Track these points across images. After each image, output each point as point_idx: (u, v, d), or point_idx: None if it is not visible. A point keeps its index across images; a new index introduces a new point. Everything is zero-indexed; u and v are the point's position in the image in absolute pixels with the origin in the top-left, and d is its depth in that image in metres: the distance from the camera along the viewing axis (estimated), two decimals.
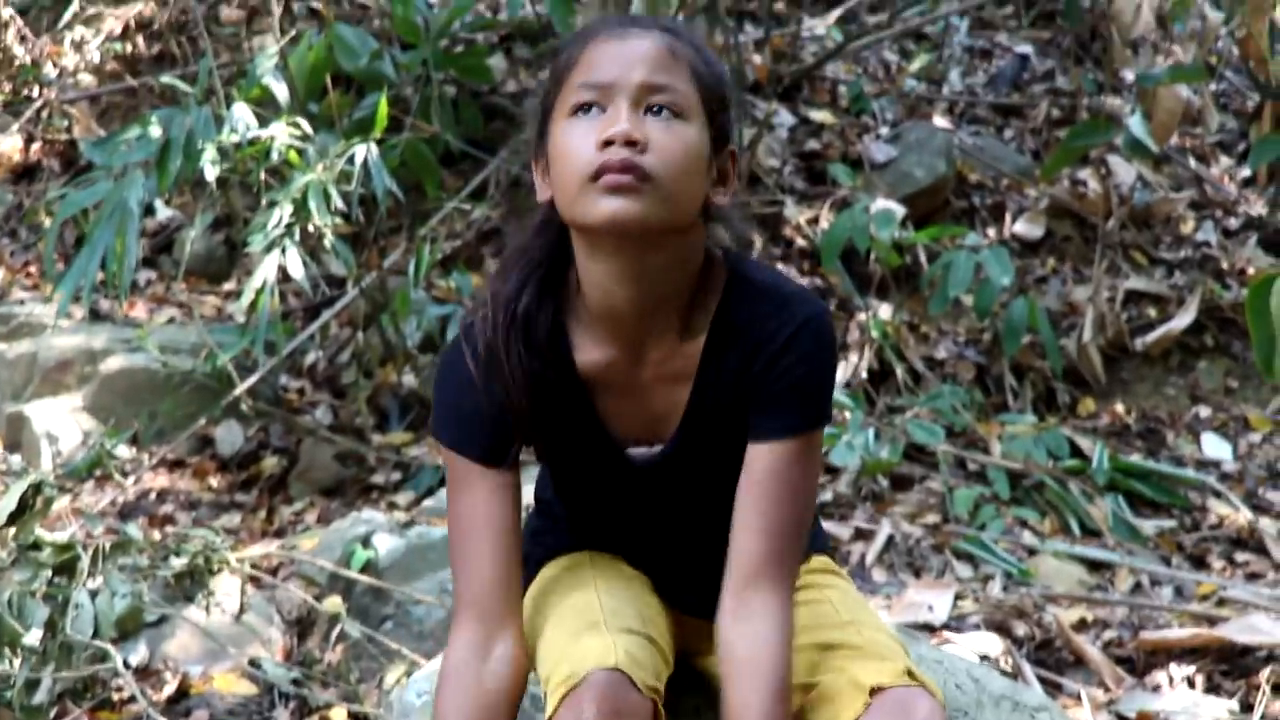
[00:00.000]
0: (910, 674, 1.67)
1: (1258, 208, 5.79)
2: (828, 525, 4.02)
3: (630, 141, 1.56)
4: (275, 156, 3.85)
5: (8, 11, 5.56)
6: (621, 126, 1.56)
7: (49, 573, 3.14)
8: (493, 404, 1.68)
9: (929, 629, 3.43)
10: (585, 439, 1.73)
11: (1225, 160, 6.16)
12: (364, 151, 3.80)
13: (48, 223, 4.70)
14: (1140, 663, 3.41)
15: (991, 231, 5.48)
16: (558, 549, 1.88)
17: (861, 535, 4.05)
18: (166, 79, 4.35)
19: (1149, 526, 4.24)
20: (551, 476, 1.87)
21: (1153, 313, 5.25)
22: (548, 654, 1.69)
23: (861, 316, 4.93)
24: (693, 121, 1.60)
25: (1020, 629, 3.53)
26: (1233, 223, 5.77)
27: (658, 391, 1.71)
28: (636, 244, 1.60)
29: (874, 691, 1.64)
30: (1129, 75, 5.84)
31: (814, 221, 5.32)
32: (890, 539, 4.03)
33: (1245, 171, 5.98)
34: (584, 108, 1.60)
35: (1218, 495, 4.41)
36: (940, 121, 5.91)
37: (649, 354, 1.69)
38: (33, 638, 2.97)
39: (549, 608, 1.76)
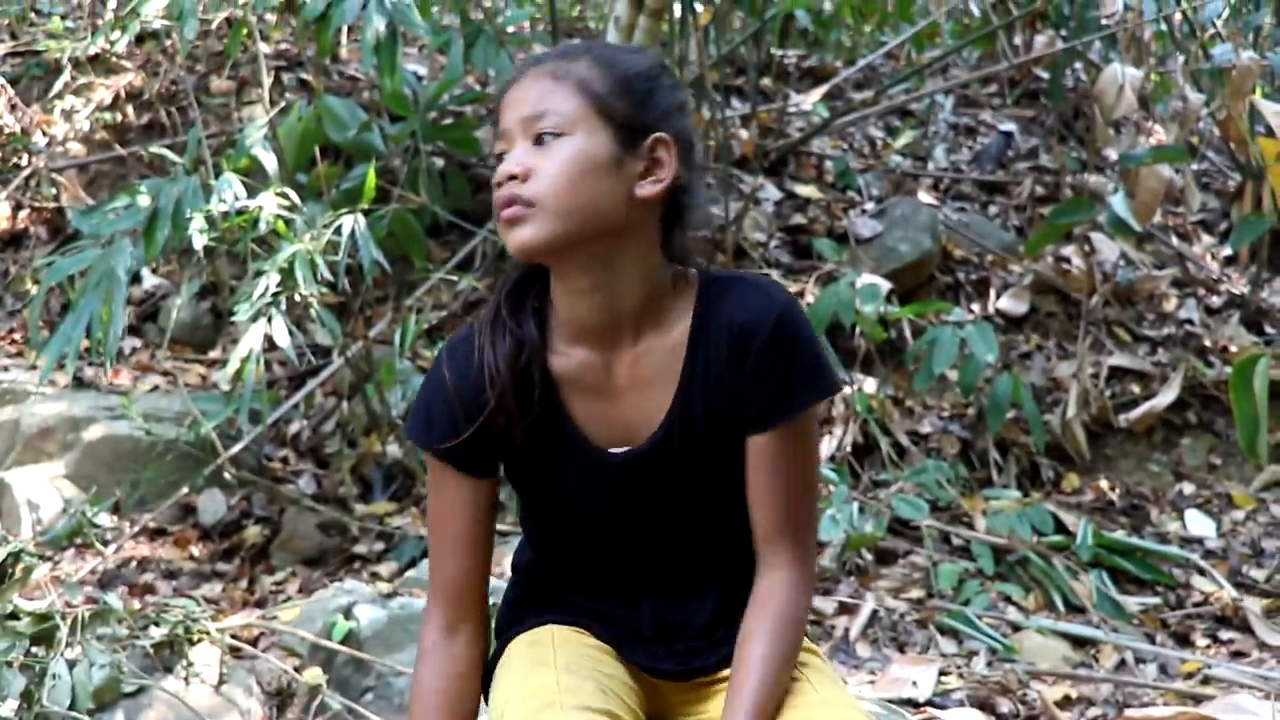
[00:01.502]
0: None
1: (1240, 286, 5.83)
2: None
3: (511, 176, 1.68)
4: (263, 226, 3.86)
5: None
6: (505, 168, 1.69)
7: (26, 642, 3.11)
8: (470, 416, 1.75)
9: (913, 704, 3.41)
10: (561, 444, 1.78)
11: (1207, 239, 6.22)
12: (351, 222, 3.82)
13: (34, 290, 4.71)
14: None
15: (976, 307, 5.50)
16: (526, 622, 1.88)
17: (845, 609, 4.03)
18: (155, 148, 4.37)
19: (1133, 603, 4.23)
20: (528, 503, 1.88)
21: (1136, 389, 5.27)
22: None
23: (846, 391, 4.94)
24: (578, 133, 1.68)
25: (1004, 705, 3.51)
26: (1215, 301, 5.81)
27: (634, 396, 1.77)
28: (563, 261, 1.71)
29: None
30: (1112, 154, 5.90)
31: (800, 295, 5.34)
32: (874, 613, 4.01)
33: (1227, 250, 6.03)
34: (500, 150, 1.73)
35: (1201, 572, 4.41)
36: (925, 197, 5.96)
37: (623, 359, 1.76)
38: (8, 708, 2.94)
39: (510, 688, 1.77)
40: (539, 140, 1.68)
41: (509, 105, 1.72)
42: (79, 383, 4.79)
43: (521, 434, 1.76)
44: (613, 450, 1.78)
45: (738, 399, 1.74)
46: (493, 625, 1.94)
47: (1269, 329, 5.66)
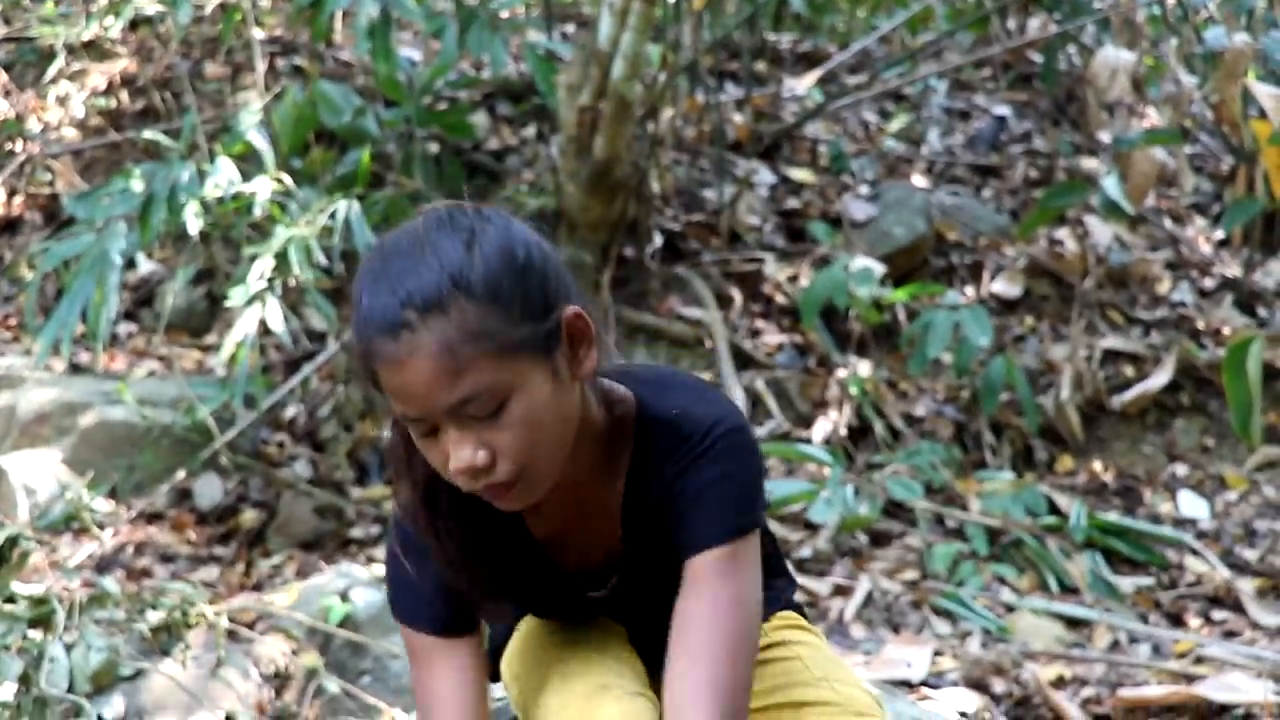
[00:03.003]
0: None
1: (1233, 269, 5.84)
2: (806, 581, 4.02)
3: (477, 470, 1.49)
4: (258, 211, 3.87)
5: None
6: (462, 462, 1.48)
7: (24, 626, 3.12)
8: (441, 577, 1.64)
9: (907, 685, 3.43)
10: (538, 580, 1.71)
11: (1200, 221, 6.22)
12: (346, 207, 3.83)
13: (29, 276, 4.71)
14: None
15: (970, 290, 5.51)
16: None
17: (840, 591, 4.05)
18: (150, 134, 4.38)
19: (1126, 584, 4.25)
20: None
21: (1130, 372, 5.29)
22: (559, 713, 1.66)
23: (841, 373, 4.96)
24: (517, 390, 1.48)
25: (998, 686, 3.52)
26: (1208, 283, 5.82)
27: (600, 525, 1.67)
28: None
29: None
30: (1105, 137, 5.91)
31: (794, 279, 5.35)
32: (869, 595, 4.03)
33: (1220, 233, 6.04)
34: (422, 432, 1.52)
35: (1194, 553, 4.43)
36: (919, 181, 5.96)
37: (584, 500, 1.65)
38: (6, 692, 2.95)
39: (544, 663, 1.73)
40: (476, 418, 1.48)
41: (410, 396, 1.47)
42: (75, 368, 4.79)
43: (504, 586, 1.67)
44: (583, 574, 1.71)
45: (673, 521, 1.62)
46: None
47: (1262, 311, 5.67)
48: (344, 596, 3.49)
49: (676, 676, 1.55)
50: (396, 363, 1.46)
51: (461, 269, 1.46)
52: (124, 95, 5.73)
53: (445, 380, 1.45)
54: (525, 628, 1.83)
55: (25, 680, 2.98)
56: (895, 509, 4.46)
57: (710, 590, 1.56)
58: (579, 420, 1.56)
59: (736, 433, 1.59)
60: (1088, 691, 3.56)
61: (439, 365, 1.45)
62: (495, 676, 1.86)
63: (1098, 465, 4.95)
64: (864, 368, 5.01)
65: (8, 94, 5.63)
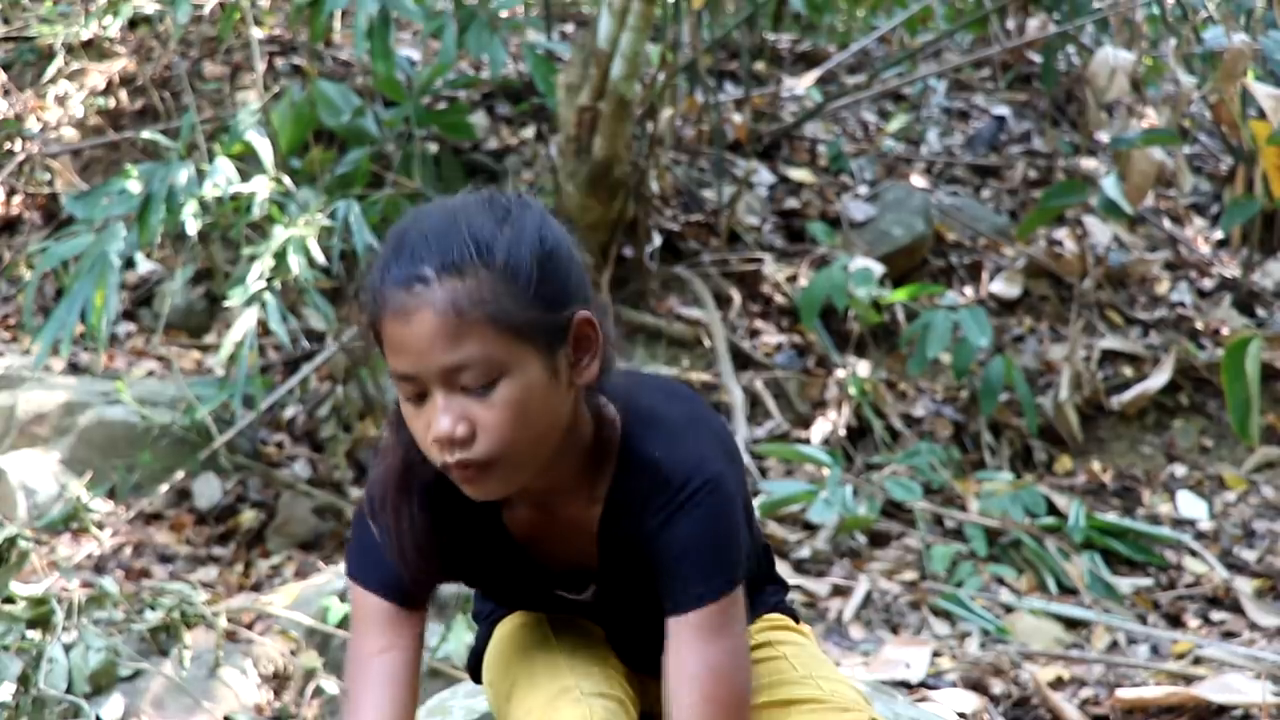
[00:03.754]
0: None
1: (1231, 269, 5.85)
2: (805, 581, 4.02)
3: (454, 441, 1.49)
4: (257, 211, 3.87)
5: None
6: (441, 429, 1.49)
7: (23, 626, 3.12)
8: (409, 549, 1.63)
9: (906, 686, 3.43)
10: (514, 575, 1.71)
11: (1199, 222, 6.23)
12: (345, 207, 3.83)
13: (28, 275, 4.71)
14: None
15: (969, 290, 5.52)
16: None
17: (839, 592, 4.05)
18: (149, 134, 4.37)
19: (1125, 584, 4.25)
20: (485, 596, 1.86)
21: (1129, 372, 5.29)
22: (523, 718, 1.68)
23: (840, 374, 4.96)
24: (512, 370, 1.48)
25: (997, 686, 3.52)
26: (1207, 284, 5.83)
27: (576, 539, 1.67)
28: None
29: None
30: (1104, 138, 5.91)
31: (793, 279, 5.35)
32: (868, 595, 4.03)
33: (1219, 233, 6.04)
34: (410, 395, 1.52)
35: (1193, 554, 4.43)
36: (918, 181, 5.97)
37: (561, 512, 1.65)
38: (5, 692, 2.95)
39: (514, 668, 1.75)
40: (466, 389, 1.48)
41: (408, 350, 1.48)
42: (74, 368, 4.79)
43: (476, 571, 1.68)
44: (561, 575, 1.72)
45: (653, 568, 1.62)
46: (469, 613, 1.92)
47: (1260, 311, 5.67)
48: (343, 597, 3.49)
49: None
50: (404, 314, 1.47)
51: (488, 241, 1.49)
52: (123, 95, 5.73)
53: (446, 340, 1.46)
54: (501, 632, 1.84)
55: (24, 680, 2.98)
56: (894, 509, 4.46)
57: (700, 652, 1.57)
58: (565, 431, 1.56)
59: (715, 485, 1.57)
60: (1086, 692, 3.56)
61: (443, 323, 1.46)
62: (478, 679, 1.88)
63: (1096, 466, 4.95)
64: (863, 368, 5.01)
65: (7, 93, 5.63)
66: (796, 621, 1.92)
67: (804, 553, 4.22)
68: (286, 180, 3.97)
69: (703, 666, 1.57)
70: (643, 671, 1.83)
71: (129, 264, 4.79)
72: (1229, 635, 3.99)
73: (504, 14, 5.02)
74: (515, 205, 1.54)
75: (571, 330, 1.52)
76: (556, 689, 1.67)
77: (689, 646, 1.57)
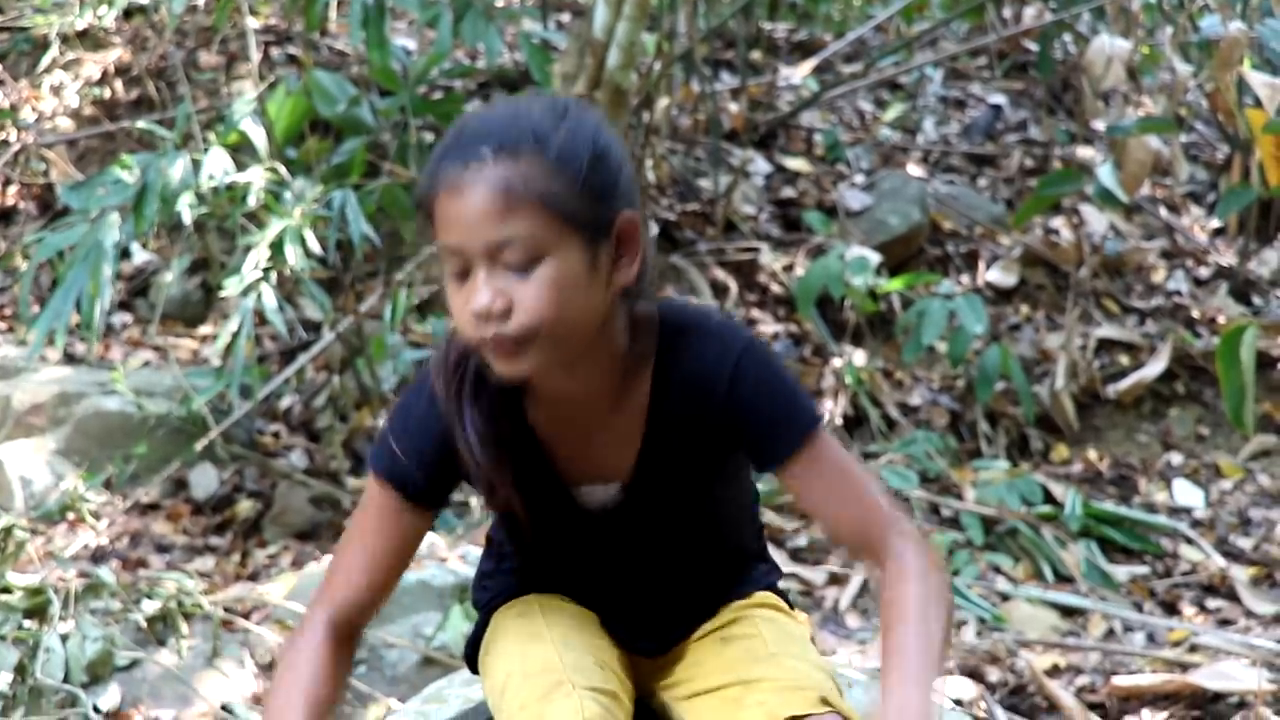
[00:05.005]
0: (825, 701, 1.68)
1: (1227, 257, 5.85)
2: (802, 570, 4.03)
3: (491, 315, 1.55)
4: (252, 201, 3.86)
5: None
6: (481, 303, 1.55)
7: (19, 616, 3.13)
8: (438, 451, 1.69)
9: None
10: (537, 486, 1.74)
11: (1195, 210, 6.23)
12: (341, 196, 3.82)
13: (23, 266, 4.70)
14: (1113, 709, 3.41)
15: (965, 279, 5.52)
16: (504, 593, 1.88)
17: (836, 580, 4.05)
18: (144, 123, 4.36)
19: (1121, 572, 4.26)
20: (504, 525, 1.87)
21: (1125, 360, 5.29)
22: (515, 714, 1.69)
23: (836, 363, 4.96)
24: (552, 254, 1.55)
25: (993, 674, 3.53)
26: (1203, 272, 5.83)
27: (606, 443, 1.72)
28: (549, 373, 1.63)
29: None
30: (1100, 126, 5.91)
31: (789, 268, 5.35)
32: (864, 584, 4.03)
33: (1215, 222, 6.04)
34: (455, 271, 1.58)
35: (1189, 542, 4.44)
36: (915, 170, 5.96)
37: (594, 413, 1.71)
38: (2, 681, 2.95)
39: (509, 664, 1.76)
40: (508, 265, 1.55)
41: (457, 224, 1.55)
42: (70, 358, 4.79)
43: (500, 478, 1.71)
44: (586, 490, 1.75)
45: (710, 445, 1.71)
46: (468, 602, 1.94)
47: (1256, 300, 5.67)
48: None
49: (845, 522, 1.70)
50: (458, 187, 1.54)
51: (545, 132, 1.56)
52: (118, 85, 5.72)
53: (494, 215, 1.53)
54: (496, 622, 1.85)
55: (21, 670, 2.99)
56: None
57: (825, 464, 1.69)
58: (599, 329, 1.62)
59: (751, 344, 1.69)
60: (1082, 680, 3.56)
61: (494, 197, 1.53)
62: (475, 669, 1.89)
63: (1093, 454, 4.96)
64: (859, 357, 5.01)
65: (1, 83, 5.62)
66: (790, 606, 1.93)
67: (800, 541, 4.22)
68: (282, 170, 3.96)
69: (823, 474, 1.69)
70: (637, 650, 1.86)
71: (125, 254, 4.80)
72: (1225, 623, 4.00)
73: (500, 3, 5.02)
74: (574, 106, 1.62)
75: (615, 229, 1.59)
76: (550, 682, 1.68)
77: (806, 469, 1.68)
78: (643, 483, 1.74)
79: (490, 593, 1.90)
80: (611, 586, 1.85)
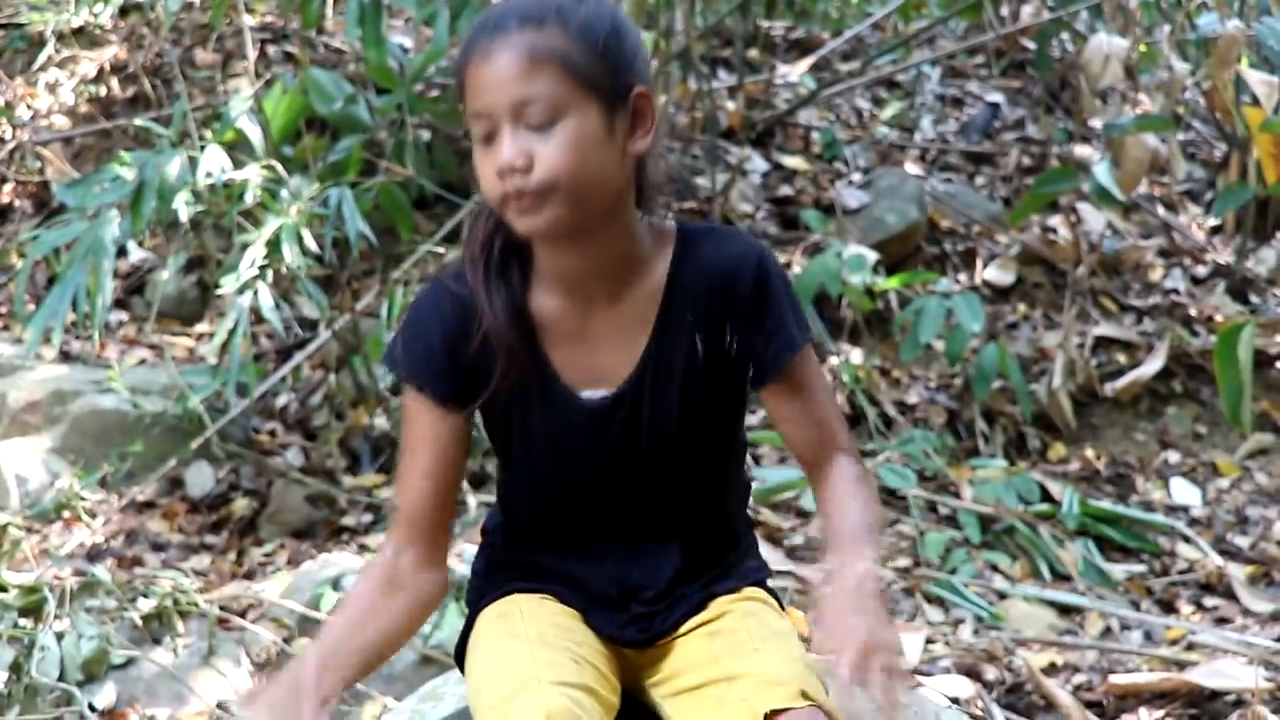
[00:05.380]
0: (806, 695, 1.68)
1: (1225, 256, 5.85)
2: (799, 568, 4.02)
3: (514, 169, 1.67)
4: (249, 199, 3.86)
5: None
6: (505, 158, 1.67)
7: (15, 614, 3.12)
8: (450, 352, 1.78)
9: None
10: (537, 385, 1.80)
11: (1193, 209, 6.23)
12: (337, 194, 3.82)
13: (19, 264, 4.70)
14: (1110, 707, 3.41)
15: (963, 277, 5.51)
16: (493, 593, 1.89)
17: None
18: (141, 121, 4.36)
19: (1119, 571, 4.25)
20: (499, 445, 1.89)
21: (1122, 359, 5.29)
22: (486, 714, 1.70)
23: (833, 361, 4.95)
24: (571, 113, 1.67)
25: (990, 672, 3.53)
26: (1201, 270, 5.83)
27: (610, 341, 1.80)
28: (567, 238, 1.73)
29: (770, 716, 1.67)
30: (1098, 124, 5.90)
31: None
32: None
33: (1213, 220, 6.04)
34: (482, 136, 1.71)
35: (1187, 540, 4.44)
36: (912, 168, 5.96)
37: (601, 307, 1.79)
38: None
39: (484, 664, 1.78)
40: (532, 125, 1.67)
41: (485, 86, 1.69)
42: (66, 356, 4.78)
43: (501, 373, 1.78)
44: (585, 394, 1.81)
45: (723, 344, 1.80)
46: (463, 600, 1.95)
47: (1254, 298, 5.67)
48: (336, 585, 3.49)
49: (809, 439, 1.86)
50: (486, 54, 1.69)
51: (568, 7, 1.70)
52: (114, 82, 5.71)
53: (518, 75, 1.67)
54: (479, 625, 1.87)
55: (16, 669, 2.98)
56: (888, 496, 4.46)
57: (810, 378, 1.84)
58: (613, 198, 1.74)
59: (765, 255, 1.82)
60: (1079, 678, 3.56)
61: (519, 61, 1.67)
62: (464, 669, 1.89)
63: (1090, 452, 4.96)
64: (856, 355, 5.01)
65: None
66: (782, 606, 1.94)
67: (798, 539, 4.22)
68: (279, 168, 3.96)
69: (805, 390, 1.84)
70: (629, 644, 1.86)
71: (121, 252, 4.79)
72: (1222, 621, 3.99)
73: (495, 0, 5.01)
74: None
75: (631, 99, 1.72)
76: (518, 681, 1.69)
77: (793, 381, 1.82)
78: (643, 377, 1.80)
79: (480, 593, 1.91)
80: (599, 525, 1.86)
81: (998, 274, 5.55)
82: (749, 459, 4.50)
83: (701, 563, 1.88)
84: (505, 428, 1.85)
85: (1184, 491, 4.77)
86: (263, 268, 3.73)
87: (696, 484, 1.86)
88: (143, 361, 4.86)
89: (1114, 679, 3.48)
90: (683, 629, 1.86)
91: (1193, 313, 5.53)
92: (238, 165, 3.90)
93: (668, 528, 1.87)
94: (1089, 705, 3.41)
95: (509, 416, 1.83)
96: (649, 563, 1.87)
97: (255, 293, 3.73)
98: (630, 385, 1.80)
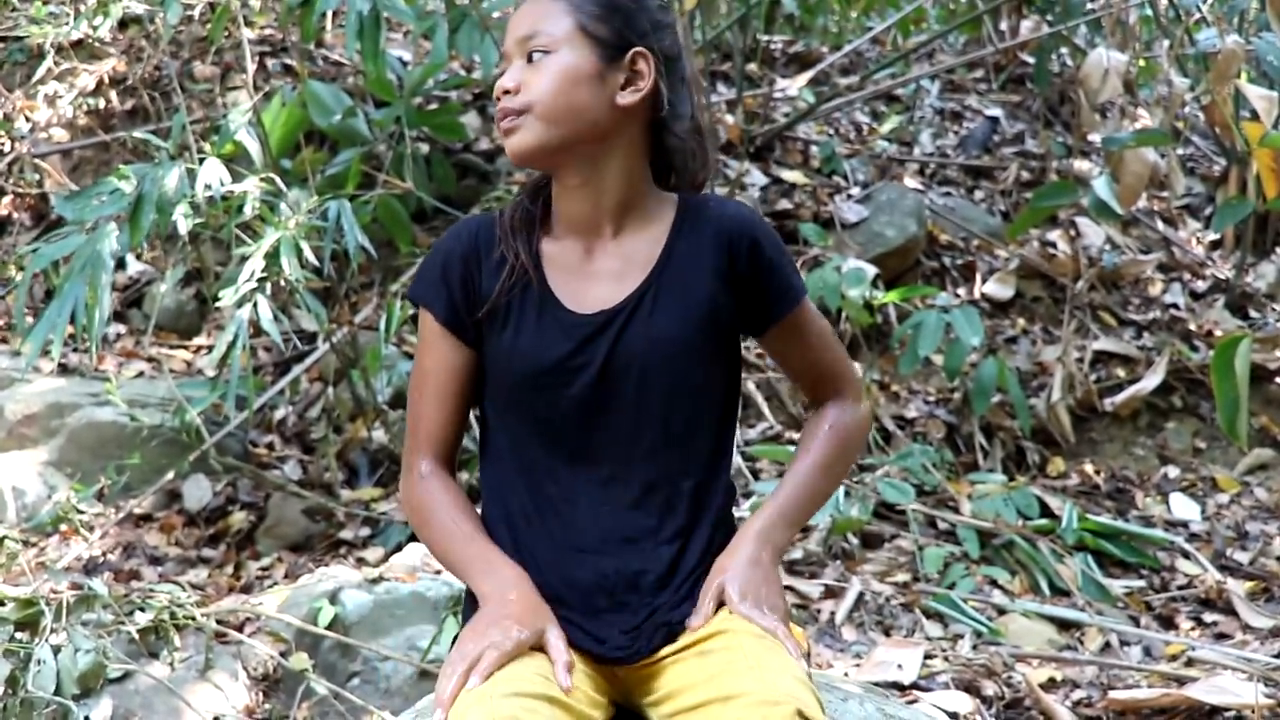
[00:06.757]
0: (801, 715, 1.68)
1: (1224, 270, 5.85)
2: (797, 583, 4.01)
3: (506, 91, 1.89)
4: (248, 212, 3.85)
5: None
6: (502, 82, 1.90)
7: (11, 628, 3.11)
8: (460, 271, 1.94)
9: (898, 688, 3.42)
10: (538, 310, 1.92)
11: (1192, 223, 6.23)
12: (336, 207, 3.81)
13: (18, 276, 4.69)
14: None
15: (962, 291, 5.51)
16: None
17: (831, 593, 4.04)
18: (140, 134, 4.36)
19: (1118, 586, 4.24)
20: (497, 381, 1.95)
21: (1121, 373, 5.28)
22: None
23: None
24: (565, 50, 1.89)
25: (989, 688, 3.52)
26: (1200, 285, 5.83)
27: (611, 276, 1.94)
28: (555, 163, 1.92)
29: None
30: (1097, 139, 5.91)
31: None
32: (860, 597, 4.02)
33: (1212, 235, 6.04)
34: (504, 67, 1.93)
35: (1186, 556, 4.43)
36: (911, 182, 5.96)
37: (605, 246, 1.94)
38: None
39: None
40: (530, 58, 1.89)
41: (510, 29, 1.93)
42: (64, 369, 4.77)
43: (506, 295, 1.92)
44: (581, 311, 1.93)
45: (721, 292, 1.93)
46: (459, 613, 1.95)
47: (1253, 313, 5.67)
48: (333, 599, 3.48)
49: (815, 376, 2.07)
50: (519, 5, 1.95)
51: None
52: (113, 95, 5.72)
53: (530, 16, 1.91)
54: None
55: (12, 682, 2.97)
56: (887, 511, 4.45)
57: (811, 325, 2.03)
58: (603, 144, 1.90)
59: (760, 218, 2.00)
60: (1079, 694, 3.55)
61: (535, 5, 1.92)
62: None
63: (1089, 467, 4.95)
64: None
65: None
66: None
67: (796, 554, 4.21)
68: (278, 181, 3.96)
69: (805, 336, 2.02)
70: (616, 660, 1.87)
71: (119, 265, 4.79)
72: (1222, 637, 3.99)
73: (496, 14, 5.01)
74: None
75: (628, 58, 1.91)
76: (473, 697, 1.70)
77: (793, 329, 2.00)
78: (633, 307, 1.91)
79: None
80: (581, 476, 1.90)
81: (997, 288, 5.55)
82: (747, 473, 4.50)
83: (697, 555, 1.90)
84: (501, 348, 1.93)
85: (1183, 506, 4.76)
86: (261, 280, 3.72)
87: (680, 436, 1.90)
88: (141, 374, 4.86)
89: (1113, 695, 3.47)
90: (675, 646, 1.85)
91: (1192, 327, 5.52)
92: (236, 178, 3.89)
93: (662, 500, 1.90)
94: None
95: (504, 329, 1.93)
96: (645, 549, 1.88)
97: (254, 305, 3.72)
98: (625, 306, 1.92)
